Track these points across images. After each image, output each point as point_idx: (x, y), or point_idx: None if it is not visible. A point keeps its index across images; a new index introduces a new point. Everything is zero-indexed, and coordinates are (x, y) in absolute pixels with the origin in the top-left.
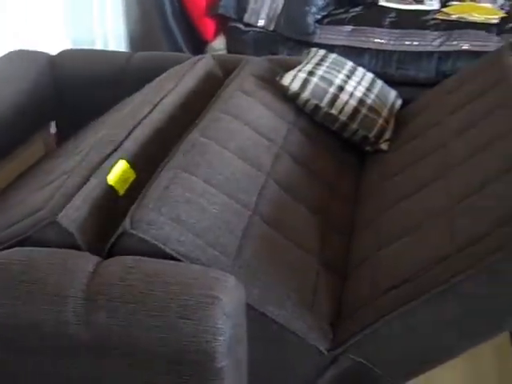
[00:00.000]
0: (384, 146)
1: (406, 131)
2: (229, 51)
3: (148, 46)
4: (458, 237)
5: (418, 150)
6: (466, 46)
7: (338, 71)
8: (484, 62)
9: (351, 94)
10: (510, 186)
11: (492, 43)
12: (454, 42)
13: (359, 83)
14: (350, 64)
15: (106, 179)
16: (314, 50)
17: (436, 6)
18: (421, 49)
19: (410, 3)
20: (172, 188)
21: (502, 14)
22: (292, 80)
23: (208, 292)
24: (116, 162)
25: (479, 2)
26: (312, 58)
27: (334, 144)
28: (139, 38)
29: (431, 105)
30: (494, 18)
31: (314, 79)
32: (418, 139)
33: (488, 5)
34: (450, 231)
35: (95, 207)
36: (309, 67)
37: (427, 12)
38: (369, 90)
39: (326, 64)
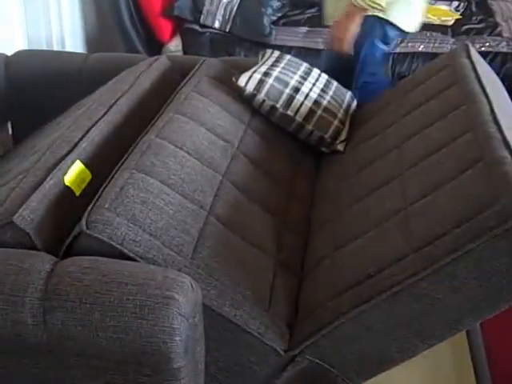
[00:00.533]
0: (340, 147)
1: (361, 132)
2: (185, 52)
3: (105, 47)
4: (413, 237)
5: (374, 151)
6: (421, 48)
7: (294, 72)
8: (439, 64)
9: (307, 95)
10: (465, 187)
11: (447, 45)
12: (410, 44)
13: (314, 84)
14: (305, 65)
15: (62, 180)
16: (268, 51)
17: None
18: None
19: None
20: (128, 188)
21: (457, 16)
22: (247, 81)
23: (164, 292)
24: (72, 163)
25: (434, 4)
26: (267, 59)
27: (290, 145)
28: (96, 39)
29: (386, 106)
30: (450, 19)
31: (270, 80)
32: (374, 140)
33: (443, 7)
34: (406, 232)
35: (52, 207)
36: (264, 68)
37: None
38: (324, 91)
39: (281, 65)
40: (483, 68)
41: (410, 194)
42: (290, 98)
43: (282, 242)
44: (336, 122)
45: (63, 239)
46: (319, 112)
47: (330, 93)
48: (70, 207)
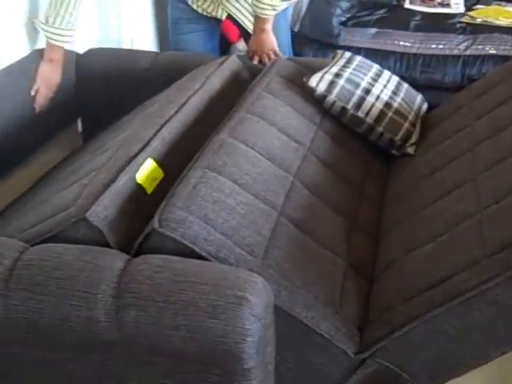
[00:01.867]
0: (410, 150)
1: (432, 135)
2: None
3: None
4: (487, 242)
5: (446, 155)
6: (492, 51)
7: (365, 74)
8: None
9: (377, 97)
10: None
11: None
12: (480, 46)
13: (385, 86)
14: (375, 67)
15: (134, 177)
16: (339, 52)
17: (461, 9)
18: (446, 52)
19: (435, 6)
20: (200, 187)
21: None
22: (319, 82)
23: (237, 292)
24: (144, 161)
25: (505, 6)
26: (338, 60)
27: (360, 147)
28: (166, 38)
29: (458, 109)
30: None
31: (341, 81)
32: (446, 144)
33: None
34: (480, 236)
35: (124, 205)
36: (335, 69)
37: (453, 15)
38: (395, 93)
39: (352, 66)
40: None
41: (484, 197)
42: (361, 100)
43: (352, 244)
44: (407, 125)
45: (135, 237)
46: (390, 114)
47: (401, 95)
48: (142, 205)
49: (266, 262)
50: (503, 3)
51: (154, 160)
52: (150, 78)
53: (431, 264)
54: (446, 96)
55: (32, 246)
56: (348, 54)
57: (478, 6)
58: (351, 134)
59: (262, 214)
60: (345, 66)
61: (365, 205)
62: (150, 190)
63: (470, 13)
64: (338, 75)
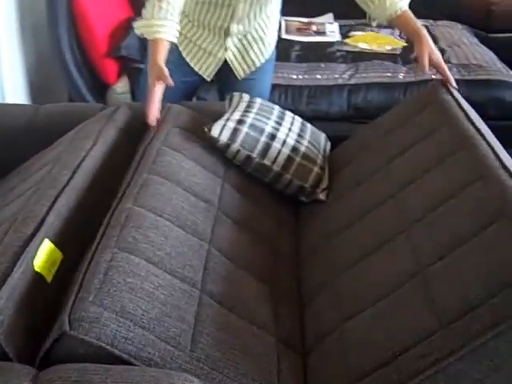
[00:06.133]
0: (322, 196)
1: (343, 178)
2: (133, 93)
3: (48, 96)
4: (440, 308)
5: (363, 201)
6: (376, 78)
7: (268, 118)
8: (418, 102)
9: (284, 142)
10: (492, 247)
11: (401, 73)
12: (364, 74)
13: (290, 129)
14: (277, 109)
15: (31, 265)
16: (236, 94)
17: (338, 37)
18: (331, 82)
19: (311, 35)
20: (112, 274)
21: (402, 43)
22: (221, 130)
23: None
24: (41, 243)
25: (379, 33)
26: (238, 104)
27: (267, 196)
28: (38, 88)
29: (366, 148)
30: (398, 47)
31: (244, 128)
32: (360, 188)
33: (388, 35)
34: (429, 301)
35: (22, 304)
36: (237, 115)
37: (331, 44)
38: (300, 136)
39: (254, 110)
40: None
41: (423, 253)
42: (267, 146)
43: (278, 314)
44: (316, 169)
45: (39, 342)
46: (298, 159)
47: (307, 137)
48: (43, 298)
49: (194, 355)
50: (375, 29)
51: (51, 240)
52: (32, 134)
53: (376, 335)
54: (333, 127)
55: None
56: (247, 97)
57: (353, 33)
58: (256, 183)
59: (183, 295)
60: (246, 111)
61: (281, 264)
62: (49, 278)
63: (347, 40)
64: (240, 122)
